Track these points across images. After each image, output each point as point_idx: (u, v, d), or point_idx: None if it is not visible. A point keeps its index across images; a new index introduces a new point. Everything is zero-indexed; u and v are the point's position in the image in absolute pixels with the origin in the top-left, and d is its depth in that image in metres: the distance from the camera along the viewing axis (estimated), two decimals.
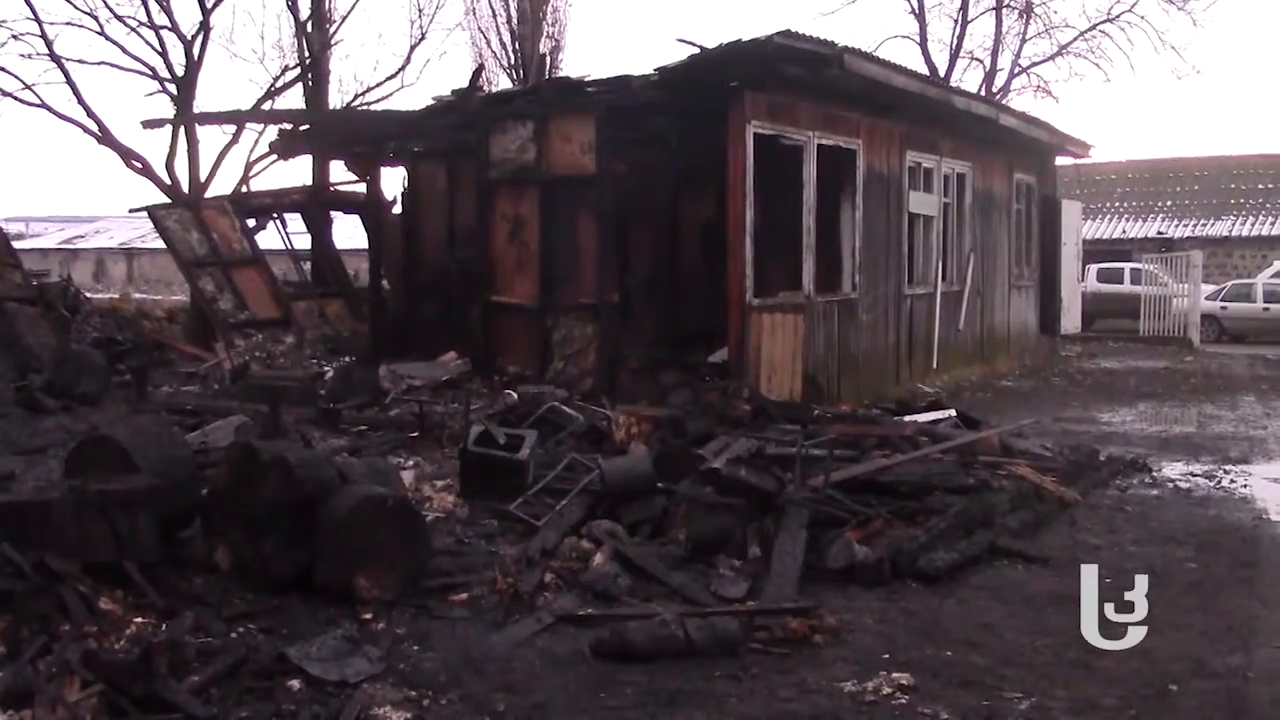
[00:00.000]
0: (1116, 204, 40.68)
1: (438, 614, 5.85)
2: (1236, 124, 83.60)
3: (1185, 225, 38.46)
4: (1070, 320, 22.59)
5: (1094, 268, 29.92)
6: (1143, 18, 31.05)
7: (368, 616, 5.67)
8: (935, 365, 16.50)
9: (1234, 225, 38.06)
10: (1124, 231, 38.85)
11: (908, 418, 11.42)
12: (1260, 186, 39.46)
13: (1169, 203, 40.10)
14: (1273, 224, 37.57)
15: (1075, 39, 31.12)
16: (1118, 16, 30.43)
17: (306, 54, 24.68)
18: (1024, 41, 31.65)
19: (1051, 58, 31.64)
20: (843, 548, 6.61)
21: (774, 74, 12.49)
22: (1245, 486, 9.60)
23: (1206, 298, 27.09)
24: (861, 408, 12.61)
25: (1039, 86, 31.78)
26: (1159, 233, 37.92)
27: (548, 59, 27.71)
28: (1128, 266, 30.68)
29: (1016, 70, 31.78)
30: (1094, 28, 30.85)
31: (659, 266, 14.82)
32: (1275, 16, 72.77)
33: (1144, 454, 10.76)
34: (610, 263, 13.40)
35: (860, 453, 8.98)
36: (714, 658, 5.25)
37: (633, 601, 6.01)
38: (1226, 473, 10.13)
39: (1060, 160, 23.16)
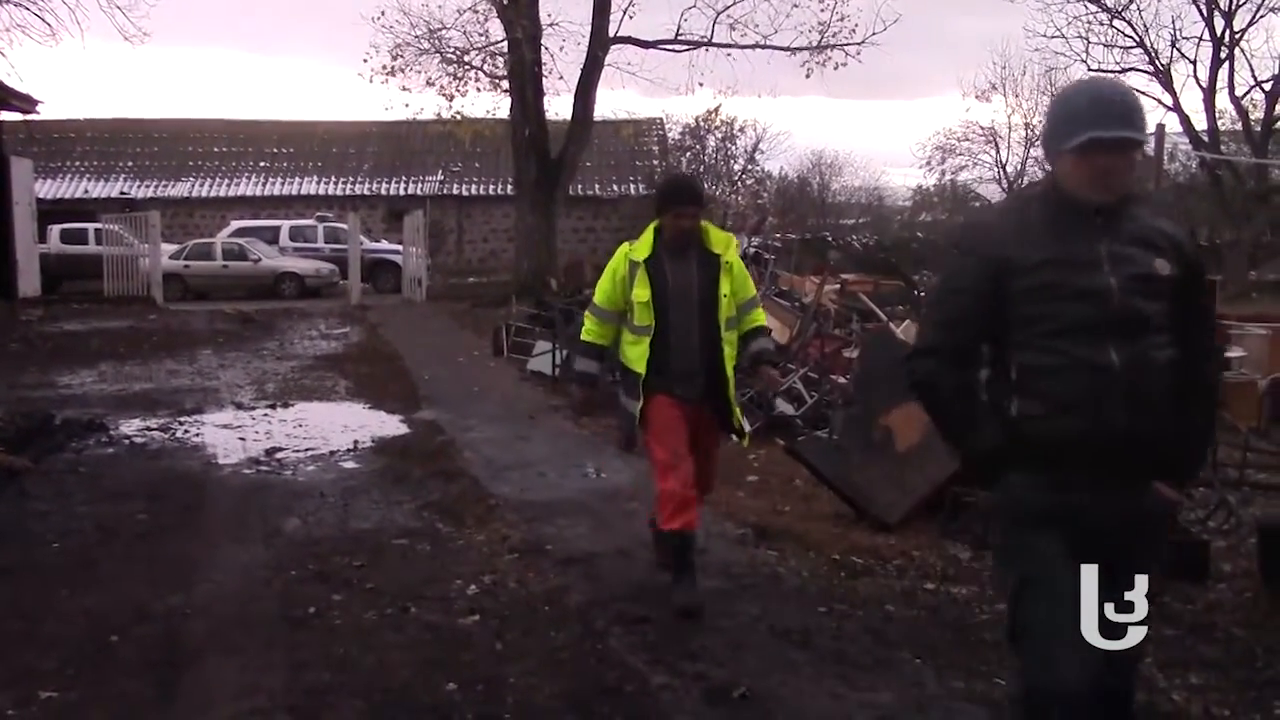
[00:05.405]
0: (77, 163, 39.92)
1: None
2: (195, 89, 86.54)
3: (147, 186, 39.15)
4: (29, 283, 21.66)
5: (56, 229, 28.93)
6: None
7: None
8: None
9: (194, 187, 39.72)
10: (86, 191, 38.26)
11: None
12: (217, 150, 41.70)
13: (130, 163, 40.44)
14: (229, 186, 39.96)
15: None
16: None
17: None
18: None
19: None
20: None
21: None
22: (198, 435, 10.06)
23: (170, 257, 27.79)
24: None
25: None
26: (122, 193, 38.03)
27: None
28: (92, 227, 30.15)
29: None
30: None
31: None
32: None
33: (102, 414, 10.75)
34: None
35: None
36: None
37: None
38: (181, 424, 10.53)
39: (8, 116, 21.87)
